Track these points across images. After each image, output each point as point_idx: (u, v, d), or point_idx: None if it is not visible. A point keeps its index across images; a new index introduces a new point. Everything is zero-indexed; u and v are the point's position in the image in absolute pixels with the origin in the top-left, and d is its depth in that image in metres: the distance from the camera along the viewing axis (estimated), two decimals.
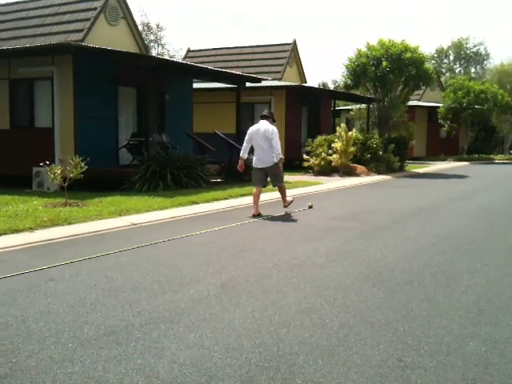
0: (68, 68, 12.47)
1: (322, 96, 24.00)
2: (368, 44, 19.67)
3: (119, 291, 4.63)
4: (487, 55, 64.09)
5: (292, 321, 3.98)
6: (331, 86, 56.74)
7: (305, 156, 18.32)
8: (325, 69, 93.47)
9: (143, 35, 34.27)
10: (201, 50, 31.20)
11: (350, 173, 17.34)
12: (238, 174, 13.09)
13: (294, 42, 28.84)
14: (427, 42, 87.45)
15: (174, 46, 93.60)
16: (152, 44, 47.36)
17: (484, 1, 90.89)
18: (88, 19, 18.97)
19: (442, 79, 45.96)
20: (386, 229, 8.04)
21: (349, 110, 30.47)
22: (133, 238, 7.00)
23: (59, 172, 9.36)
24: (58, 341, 3.55)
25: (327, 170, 17.35)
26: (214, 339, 3.61)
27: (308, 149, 18.45)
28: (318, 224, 8.34)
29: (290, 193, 10.76)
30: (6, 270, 5.28)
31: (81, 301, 4.37)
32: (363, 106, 26.27)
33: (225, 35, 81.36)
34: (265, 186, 9.71)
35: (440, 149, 30.94)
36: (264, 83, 19.03)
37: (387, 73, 18.61)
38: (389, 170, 18.69)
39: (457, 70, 64.20)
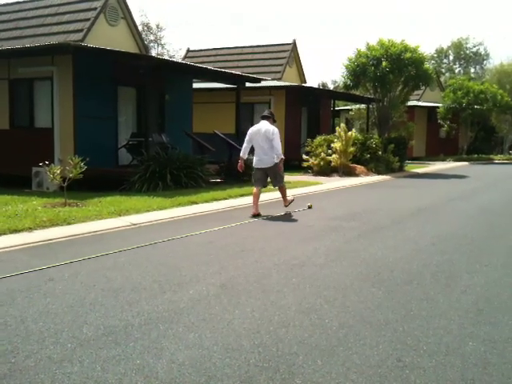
0: (68, 68, 12.47)
1: (322, 96, 24.01)
2: (368, 44, 19.67)
3: (118, 291, 4.63)
4: (487, 55, 64.20)
5: (291, 321, 3.97)
6: (331, 86, 56.76)
7: (304, 156, 18.32)
8: (324, 69, 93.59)
9: (143, 35, 34.28)
10: (200, 50, 31.21)
11: (350, 173, 17.34)
12: (237, 174, 13.10)
13: (294, 42, 28.86)
14: (427, 42, 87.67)
15: (173, 46, 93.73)
16: (152, 44, 47.39)
17: (484, 1, 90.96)
18: (88, 19, 18.98)
19: (442, 79, 45.96)
20: (386, 229, 8.04)
21: (348, 110, 30.48)
22: (132, 238, 6.99)
23: (59, 172, 9.36)
24: (57, 341, 3.55)
25: (326, 170, 17.35)
26: (213, 339, 3.61)
27: (307, 149, 18.45)
28: (317, 224, 8.34)
29: (290, 193, 10.75)
30: (5, 270, 5.28)
31: (80, 301, 4.36)
32: (363, 106, 26.29)
33: (225, 35, 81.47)
34: (265, 186, 9.71)
35: (439, 149, 30.94)
36: (264, 83, 19.02)
37: (387, 73, 18.61)
38: (388, 170, 18.69)
39: (456, 70, 64.23)
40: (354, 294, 4.67)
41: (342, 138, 17.27)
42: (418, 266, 5.68)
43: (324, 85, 58.68)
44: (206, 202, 10.28)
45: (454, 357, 3.38)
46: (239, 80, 16.22)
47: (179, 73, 16.04)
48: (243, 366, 3.21)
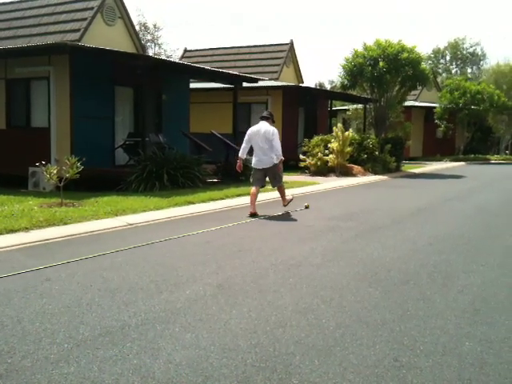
0: (64, 68, 12.44)
1: (319, 96, 24.02)
2: (365, 44, 19.69)
3: (115, 291, 4.62)
4: (483, 56, 64.32)
5: (288, 321, 3.97)
6: (328, 87, 56.83)
7: (301, 156, 18.32)
8: (322, 69, 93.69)
9: (140, 35, 34.26)
10: (198, 50, 31.20)
11: (347, 173, 17.36)
12: (234, 174, 13.11)
13: (291, 43, 28.88)
14: (425, 42, 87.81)
15: (170, 45, 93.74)
16: (149, 44, 47.34)
17: (481, 1, 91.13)
18: (85, 19, 18.95)
19: (439, 79, 46.06)
20: (383, 229, 8.05)
21: (345, 110, 30.49)
22: (129, 238, 6.98)
23: (55, 172, 9.34)
24: (53, 341, 3.54)
25: (324, 170, 17.36)
26: (210, 339, 3.60)
27: (304, 149, 18.47)
28: (314, 224, 8.34)
29: (287, 193, 10.73)
30: (1, 270, 5.26)
31: (77, 301, 4.36)
32: (360, 106, 26.32)
33: (224, 35, 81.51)
34: (263, 186, 9.73)
35: (436, 149, 30.99)
36: (261, 83, 19.03)
37: (384, 73, 18.63)
38: (385, 170, 18.71)
39: (453, 71, 64.35)
40: (351, 293, 4.67)
41: (339, 138, 17.28)
42: (414, 266, 5.68)
43: (321, 85, 58.74)
44: (203, 201, 10.28)
45: (451, 357, 3.39)
46: (236, 80, 16.22)
47: (176, 73, 16.03)
48: (240, 366, 3.21)
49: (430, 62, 59.11)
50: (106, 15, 19.58)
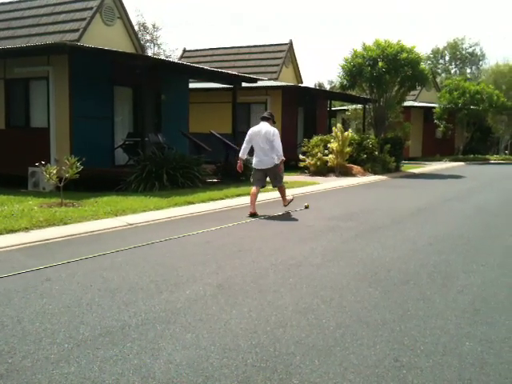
0: (64, 68, 12.44)
1: (318, 96, 24.03)
2: (364, 44, 19.70)
3: (115, 291, 4.62)
4: (483, 56, 64.33)
5: (289, 321, 3.97)
6: (327, 87, 56.82)
7: (301, 156, 18.33)
8: (321, 69, 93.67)
9: (139, 35, 34.23)
10: (197, 50, 31.20)
11: (346, 173, 17.36)
12: (234, 174, 13.11)
13: (291, 43, 28.89)
14: (424, 42, 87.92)
15: (170, 45, 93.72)
16: (148, 44, 47.30)
17: (480, 1, 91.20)
18: (84, 19, 18.94)
19: (438, 80, 46.09)
20: (383, 229, 8.05)
21: (345, 110, 30.50)
22: (129, 238, 6.98)
23: (55, 172, 9.33)
24: (53, 341, 3.54)
25: (323, 170, 17.36)
26: (210, 339, 3.60)
27: (304, 149, 18.47)
28: (314, 224, 8.35)
29: (287, 193, 10.73)
30: (1, 270, 5.26)
31: (77, 301, 4.35)
32: (359, 106, 26.33)
33: (224, 35, 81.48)
34: (263, 187, 9.75)
35: (436, 149, 31.00)
36: (260, 83, 19.04)
37: (383, 73, 18.63)
38: (385, 170, 18.72)
39: (452, 71, 64.38)
40: (351, 294, 4.67)
41: (339, 138, 17.29)
42: (414, 266, 5.68)
43: (320, 85, 58.74)
44: (203, 202, 10.28)
45: (451, 357, 3.39)
46: (236, 80, 16.22)
47: (176, 73, 16.03)
48: (240, 366, 3.21)
49: (429, 62, 59.11)
50: (105, 15, 19.58)
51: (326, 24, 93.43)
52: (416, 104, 31.13)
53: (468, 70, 64.36)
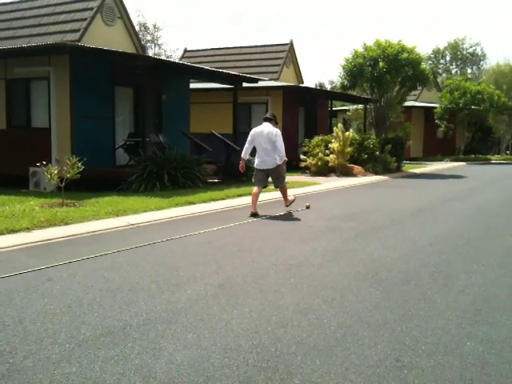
0: (64, 68, 12.45)
1: (319, 96, 24.03)
2: (365, 44, 19.69)
3: (116, 291, 4.63)
4: (483, 56, 64.30)
5: (290, 321, 3.98)
6: (328, 87, 56.80)
7: (302, 156, 18.33)
8: (322, 69, 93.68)
9: (140, 35, 34.26)
10: (198, 50, 31.21)
11: (347, 173, 17.36)
12: (235, 174, 13.12)
13: (291, 43, 28.89)
14: (425, 42, 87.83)
15: (170, 46, 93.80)
16: (149, 44, 47.34)
17: (481, 2, 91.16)
18: (84, 19, 18.95)
19: (439, 80, 46.04)
20: (384, 229, 8.05)
21: (346, 110, 30.51)
22: (130, 238, 6.99)
23: (56, 172, 9.34)
24: (55, 341, 3.54)
25: (324, 171, 17.36)
26: (211, 339, 3.61)
27: (305, 149, 18.47)
28: (315, 224, 8.35)
29: (289, 193, 10.73)
30: (3, 270, 5.27)
31: (78, 301, 4.36)
32: (360, 106, 26.32)
33: (224, 35, 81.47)
34: (265, 187, 9.77)
35: (437, 149, 30.98)
36: (261, 83, 19.03)
37: (384, 73, 18.62)
38: (386, 170, 18.71)
39: (453, 71, 64.35)
40: (352, 294, 4.67)
41: (340, 138, 17.29)
42: (415, 266, 5.68)
43: (321, 85, 58.71)
44: (204, 202, 10.28)
45: (453, 357, 3.39)
46: (236, 80, 16.22)
47: (176, 73, 16.03)
48: (242, 366, 3.21)
49: (429, 62, 59.09)
50: (106, 15, 19.59)
51: (327, 24, 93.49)
52: (417, 104, 31.12)
53: (469, 70, 64.35)
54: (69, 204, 9.10)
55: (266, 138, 9.22)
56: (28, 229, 7.16)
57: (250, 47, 29.63)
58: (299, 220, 8.83)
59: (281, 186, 9.59)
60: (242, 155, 9.64)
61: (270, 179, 9.68)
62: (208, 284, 4.88)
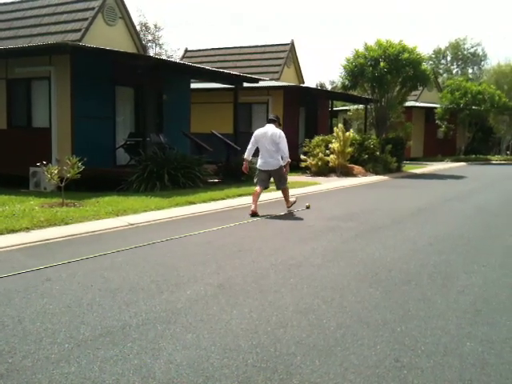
0: (65, 68, 12.45)
1: (320, 96, 24.03)
2: (366, 44, 19.69)
3: (116, 291, 4.62)
4: (484, 56, 64.28)
5: (289, 321, 3.97)
6: (329, 87, 56.80)
7: (302, 156, 18.33)
8: (323, 69, 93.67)
9: (141, 35, 34.27)
10: (199, 50, 31.21)
11: (348, 173, 17.36)
12: (235, 174, 13.12)
13: (292, 43, 28.88)
14: (426, 42, 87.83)
15: (171, 46, 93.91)
16: (150, 44, 47.35)
17: (481, 2, 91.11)
18: (86, 19, 18.96)
19: (440, 80, 46.02)
20: (384, 229, 8.05)
21: (346, 110, 30.49)
22: (130, 238, 6.98)
23: (56, 172, 9.34)
24: (54, 341, 3.54)
25: (324, 171, 17.36)
26: (211, 340, 3.60)
27: (305, 149, 18.47)
28: (315, 224, 8.34)
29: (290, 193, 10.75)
30: (2, 269, 5.26)
31: (77, 301, 4.36)
32: (361, 106, 26.31)
33: (224, 35, 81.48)
34: (266, 188, 9.79)
35: (437, 149, 30.97)
36: (262, 83, 19.03)
37: (385, 73, 18.62)
38: (386, 170, 18.70)
39: (454, 71, 64.33)
40: (352, 294, 4.67)
41: (340, 138, 17.28)
42: (415, 266, 5.68)
43: (322, 85, 58.70)
44: (204, 202, 10.28)
45: (452, 357, 3.38)
46: (237, 80, 16.22)
47: (177, 73, 16.03)
48: (241, 367, 3.21)
49: (430, 62, 59.11)
50: (107, 15, 19.59)
51: (327, 24, 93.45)
52: (417, 104, 31.10)
53: (470, 71, 64.33)
54: (69, 204, 9.10)
55: (269, 140, 9.28)
56: (28, 229, 7.16)
57: (250, 47, 29.63)
58: (299, 220, 8.82)
59: (283, 187, 9.61)
60: (246, 156, 9.68)
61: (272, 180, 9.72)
62: (208, 284, 4.88)
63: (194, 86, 18.44)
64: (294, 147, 20.86)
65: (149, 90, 13.22)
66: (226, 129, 17.19)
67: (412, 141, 27.56)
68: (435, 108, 30.62)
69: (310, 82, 63.18)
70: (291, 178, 15.03)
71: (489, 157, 30.82)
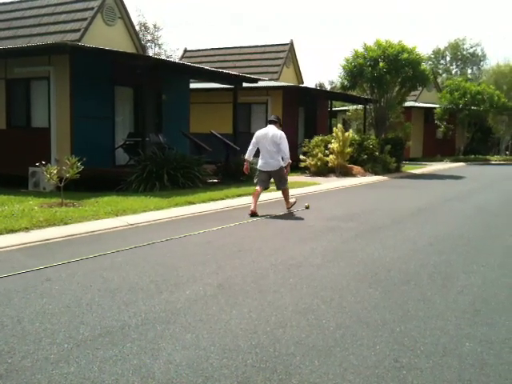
0: (65, 68, 12.45)
1: (319, 96, 24.02)
2: (365, 45, 19.69)
3: (115, 291, 4.62)
4: (484, 56, 64.30)
5: (289, 321, 3.97)
6: (328, 87, 56.79)
7: (301, 156, 18.33)
8: (322, 69, 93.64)
9: (140, 35, 34.26)
10: (198, 50, 31.21)
11: (347, 173, 17.36)
12: (234, 175, 13.12)
13: (291, 43, 28.89)
14: (425, 42, 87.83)
15: (170, 46, 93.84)
16: (149, 44, 47.33)
17: (481, 2, 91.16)
18: (85, 19, 18.95)
19: (439, 80, 46.05)
20: (383, 229, 8.05)
21: (345, 110, 30.50)
22: (129, 238, 6.98)
23: (55, 172, 9.33)
24: (53, 341, 3.54)
25: (324, 171, 17.36)
26: (210, 340, 3.60)
27: (305, 149, 18.47)
28: (315, 224, 8.34)
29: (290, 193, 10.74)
30: (1, 270, 5.26)
31: (77, 301, 4.35)
32: (360, 106, 26.32)
33: (224, 35, 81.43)
34: (266, 188, 9.81)
35: (436, 150, 30.98)
36: (261, 83, 19.03)
37: (384, 73, 18.62)
38: (385, 170, 18.70)
39: (453, 71, 64.36)
40: (351, 294, 4.67)
41: (339, 138, 17.29)
42: (415, 267, 5.68)
43: (321, 85, 58.71)
44: (204, 202, 10.28)
45: (451, 357, 3.39)
46: (236, 80, 16.22)
47: (176, 73, 16.03)
48: (240, 367, 3.21)
49: (430, 62, 59.11)
50: (106, 15, 19.59)
51: (326, 24, 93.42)
52: (417, 104, 31.11)
53: (469, 71, 64.35)
54: (68, 204, 9.09)
55: (270, 141, 9.30)
56: (27, 228, 7.15)
57: (250, 47, 29.63)
58: (299, 220, 8.82)
59: (283, 188, 9.62)
60: (246, 157, 9.71)
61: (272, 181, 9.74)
62: (207, 284, 4.88)
63: (193, 85, 18.44)
64: (293, 147, 20.75)
65: (148, 89, 13.22)
66: (225, 129, 17.19)
67: (411, 141, 27.56)
68: (434, 108, 30.64)
69: (310, 82, 63.27)
70: (290, 178, 15.00)
71: (488, 157, 30.83)
